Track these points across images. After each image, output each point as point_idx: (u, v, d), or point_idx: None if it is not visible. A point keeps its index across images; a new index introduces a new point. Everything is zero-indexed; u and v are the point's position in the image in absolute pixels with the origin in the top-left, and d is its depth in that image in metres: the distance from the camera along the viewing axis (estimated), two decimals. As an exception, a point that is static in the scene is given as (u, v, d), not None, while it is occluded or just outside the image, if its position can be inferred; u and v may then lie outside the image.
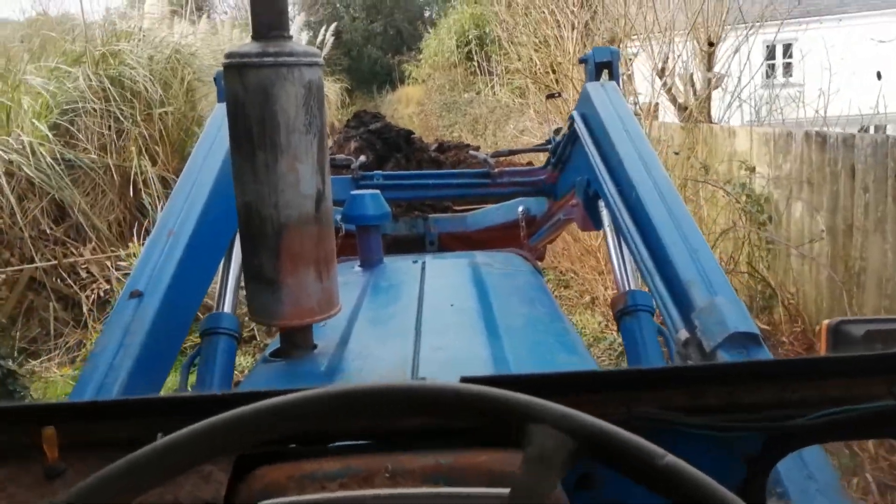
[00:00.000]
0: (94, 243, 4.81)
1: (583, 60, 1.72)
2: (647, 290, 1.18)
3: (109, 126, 5.24)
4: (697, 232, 1.12)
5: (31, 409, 0.57)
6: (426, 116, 13.81)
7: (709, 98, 5.61)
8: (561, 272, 5.30)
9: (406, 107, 16.95)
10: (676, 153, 4.46)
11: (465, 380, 0.51)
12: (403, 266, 1.61)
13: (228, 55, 0.97)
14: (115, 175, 5.17)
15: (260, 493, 0.51)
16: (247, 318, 1.21)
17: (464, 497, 0.49)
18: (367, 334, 1.15)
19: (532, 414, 0.41)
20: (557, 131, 1.92)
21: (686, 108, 5.58)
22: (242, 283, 1.15)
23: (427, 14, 24.94)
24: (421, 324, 1.16)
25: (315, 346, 1.09)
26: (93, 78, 5.19)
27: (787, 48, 6.44)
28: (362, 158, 2.17)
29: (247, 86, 0.95)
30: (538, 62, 7.48)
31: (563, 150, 1.84)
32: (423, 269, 1.53)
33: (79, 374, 1.00)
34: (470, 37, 13.78)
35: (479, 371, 0.63)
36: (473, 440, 0.52)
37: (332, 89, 15.24)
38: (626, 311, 1.20)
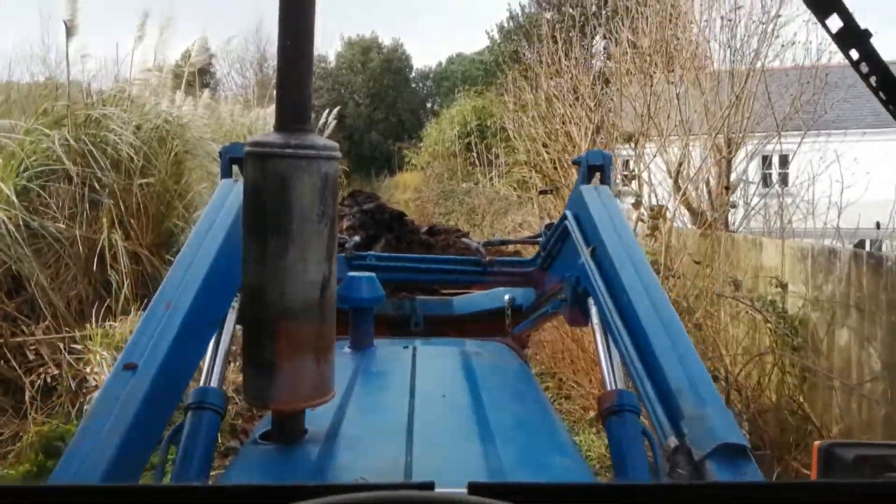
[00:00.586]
0: (47, 322, 4.68)
1: (576, 162, 1.92)
2: (633, 390, 1.28)
3: (83, 194, 5.22)
4: (686, 338, 1.25)
5: (22, 491, 0.59)
6: (423, 203, 14.36)
7: (726, 205, 5.74)
8: (561, 380, 5.31)
9: (403, 192, 17.65)
10: (697, 262, 4.42)
11: (472, 485, 0.56)
12: (394, 351, 1.73)
13: (251, 143, 1.12)
14: (81, 247, 5.09)
15: None
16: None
17: None
18: (359, 424, 1.24)
19: None
20: (549, 226, 2.12)
21: (701, 214, 5.68)
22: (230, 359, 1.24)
23: (429, 105, 26.86)
24: (413, 416, 1.25)
25: (306, 431, 1.16)
26: (71, 141, 5.20)
27: (784, 159, 6.91)
28: (356, 238, 2.38)
29: (266, 174, 1.09)
30: (545, 156, 7.89)
31: (554, 245, 2.02)
32: (413, 355, 1.65)
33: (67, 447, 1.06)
34: (470, 128, 14.61)
35: (474, 476, 0.66)
36: None
37: (332, 172, 15.95)
38: (612, 410, 1.31)
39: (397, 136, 22.07)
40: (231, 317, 1.47)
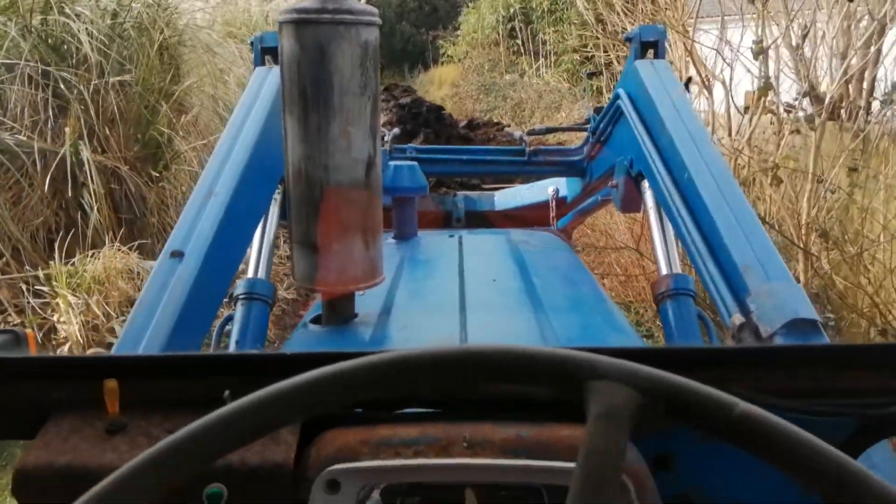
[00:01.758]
0: (5, 258, 3.90)
1: (628, 39, 1.89)
2: (690, 274, 1.29)
3: (46, 99, 4.36)
4: (753, 216, 1.25)
5: (93, 362, 0.64)
6: (461, 99, 13.96)
7: (871, 90, 4.67)
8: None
9: (439, 88, 17.23)
10: (854, 169, 3.67)
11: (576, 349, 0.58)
12: (439, 240, 1.80)
13: (286, 11, 1.12)
14: (48, 165, 4.16)
15: (331, 458, 0.56)
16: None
17: (546, 470, 0.54)
18: (410, 306, 1.31)
19: (595, 370, 0.45)
20: (598, 110, 2.10)
21: (836, 104, 4.48)
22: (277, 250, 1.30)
23: None
24: (465, 298, 1.31)
25: (356, 315, 1.23)
26: (30, 32, 4.32)
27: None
28: (396, 131, 2.40)
29: (303, 43, 1.09)
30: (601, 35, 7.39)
31: (605, 129, 2.02)
32: (460, 243, 1.71)
33: (120, 332, 1.15)
34: (514, 11, 13.93)
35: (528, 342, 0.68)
36: (556, 414, 0.56)
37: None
38: (667, 294, 1.36)
39: (431, 26, 21.38)
40: (274, 209, 1.53)
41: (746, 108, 4.13)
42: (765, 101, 3.83)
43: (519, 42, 13.81)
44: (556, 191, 2.37)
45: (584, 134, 2.24)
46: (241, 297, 1.36)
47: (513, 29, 14.02)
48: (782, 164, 3.59)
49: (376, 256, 1.20)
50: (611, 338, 1.24)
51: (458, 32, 17.17)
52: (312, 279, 1.17)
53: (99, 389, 0.59)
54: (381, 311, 1.27)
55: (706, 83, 4.33)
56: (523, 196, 2.54)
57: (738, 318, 1.10)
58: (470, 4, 17.13)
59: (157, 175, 4.63)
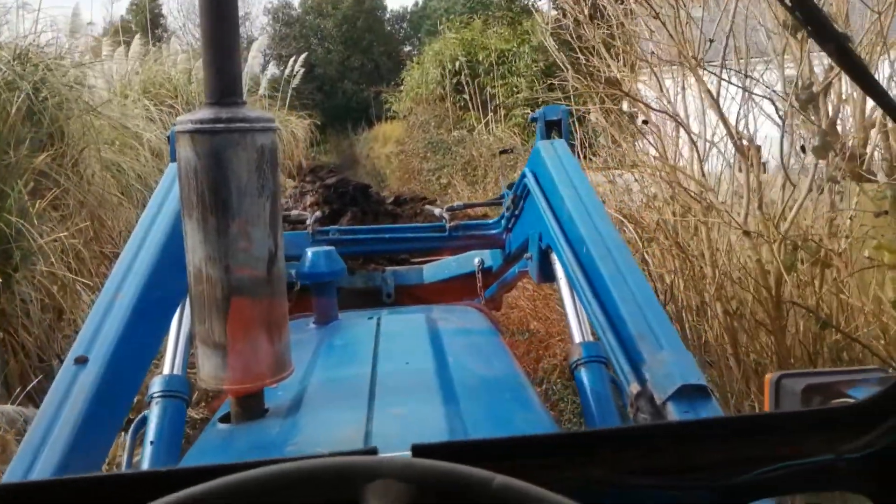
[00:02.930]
0: None
1: (533, 119, 2.19)
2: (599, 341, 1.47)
3: None
4: (646, 285, 1.44)
5: None
6: (407, 157, 14.30)
7: None
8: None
9: (384, 146, 17.68)
10: None
11: (415, 448, 0.67)
12: (358, 323, 1.96)
13: (180, 121, 1.27)
14: None
15: None
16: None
17: None
18: (320, 398, 1.42)
19: (371, 471, 0.53)
20: (510, 186, 2.38)
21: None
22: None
23: (408, 48, 27.35)
24: (375, 386, 1.43)
25: (266, 410, 1.33)
26: None
27: None
28: (318, 214, 2.64)
29: (199, 151, 1.24)
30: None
31: (516, 204, 2.29)
32: (377, 325, 1.86)
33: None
34: (459, 64, 14.49)
35: (435, 437, 0.76)
36: None
37: (301, 126, 16.18)
38: (580, 362, 1.55)
39: (374, 84, 22.21)
40: (188, 301, 1.64)
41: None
42: (834, 164, 3.20)
43: (466, 96, 14.33)
44: (482, 261, 2.62)
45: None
46: (155, 395, 1.46)
47: (458, 83, 14.56)
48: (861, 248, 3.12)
49: (283, 350, 1.31)
50: (518, 419, 1.37)
51: (402, 88, 17.77)
52: (218, 379, 1.28)
53: None
54: (291, 405, 1.38)
55: (736, 140, 3.66)
56: (451, 268, 2.78)
57: (635, 387, 1.25)
58: (413, 59, 17.84)
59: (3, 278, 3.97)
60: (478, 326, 2.03)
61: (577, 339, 1.64)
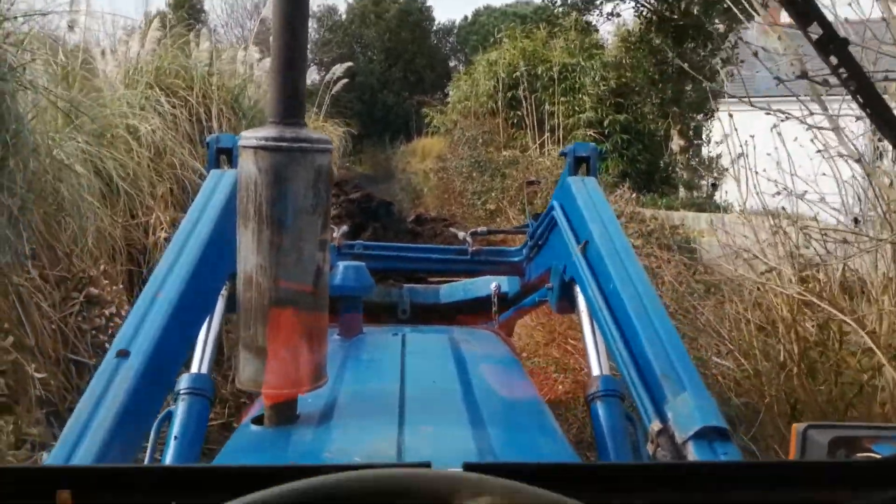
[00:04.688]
0: None
1: (563, 154, 2.53)
2: (617, 376, 1.72)
3: None
4: (671, 327, 1.70)
5: (48, 473, 0.82)
6: (448, 176, 14.52)
7: None
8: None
9: (422, 161, 18.08)
10: None
11: (467, 465, 0.79)
12: (383, 339, 2.30)
13: (245, 137, 1.57)
14: None
15: None
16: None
17: None
18: (351, 409, 1.70)
19: (472, 489, 0.65)
20: (535, 216, 2.74)
21: None
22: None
23: (453, 64, 28.43)
24: (404, 402, 1.71)
25: (298, 417, 1.61)
26: None
27: None
28: (344, 228, 3.07)
29: (261, 166, 1.53)
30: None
31: (541, 235, 2.63)
32: (403, 342, 2.19)
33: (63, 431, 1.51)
34: (517, 76, 14.79)
35: (466, 457, 0.93)
36: None
37: (336, 134, 16.74)
38: (597, 395, 1.81)
39: (417, 102, 23.03)
40: (221, 305, 1.95)
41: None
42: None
43: (520, 113, 14.62)
44: (499, 287, 2.98)
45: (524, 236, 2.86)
46: (181, 392, 1.76)
47: (513, 98, 14.87)
48: None
49: (321, 360, 1.60)
50: (541, 444, 1.65)
51: (448, 100, 18.18)
52: (258, 383, 1.57)
53: (53, 499, 0.78)
54: (321, 413, 1.66)
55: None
56: (467, 290, 3.18)
57: (656, 425, 1.51)
58: (461, 70, 18.28)
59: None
60: (499, 351, 2.37)
61: (596, 371, 1.90)
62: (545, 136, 14.07)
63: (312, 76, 17.14)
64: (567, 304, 2.28)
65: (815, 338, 3.68)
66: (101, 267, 4.72)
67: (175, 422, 1.74)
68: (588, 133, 13.58)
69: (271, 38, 1.58)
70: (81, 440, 1.44)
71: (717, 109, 14.42)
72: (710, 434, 1.42)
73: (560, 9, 15.78)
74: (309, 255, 1.57)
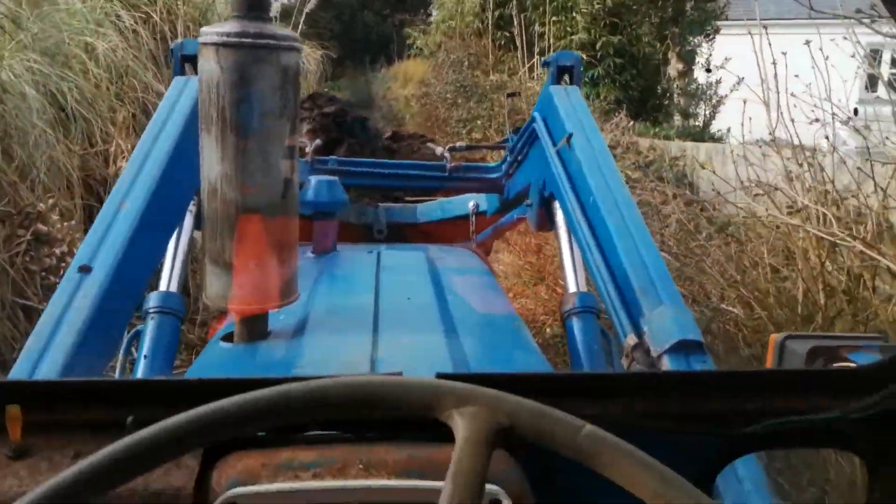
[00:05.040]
0: None
1: (545, 64, 2.49)
2: (594, 292, 1.71)
3: None
4: (650, 240, 1.69)
5: None
6: (431, 102, 14.31)
7: None
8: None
9: (403, 86, 17.80)
10: None
11: (440, 375, 0.81)
12: (358, 256, 2.29)
13: (206, 32, 1.49)
14: None
15: (232, 481, 0.73)
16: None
17: (435, 490, 0.67)
18: (324, 324, 1.68)
19: (460, 398, 0.65)
20: (517, 130, 2.70)
21: None
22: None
23: None
24: (378, 317, 1.70)
25: (269, 333, 1.58)
26: None
27: None
28: (317, 142, 3.04)
29: (223, 65, 1.47)
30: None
31: (521, 149, 2.61)
32: (378, 259, 2.18)
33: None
34: (504, -7, 14.45)
35: (440, 368, 0.91)
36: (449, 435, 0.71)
37: (313, 57, 16.50)
38: (573, 311, 1.83)
39: (399, 22, 22.69)
40: (189, 220, 1.91)
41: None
42: None
43: (509, 34, 14.35)
44: (477, 205, 3.02)
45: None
46: (150, 310, 1.73)
47: (501, 17, 14.59)
48: None
49: (291, 275, 1.57)
50: (517, 357, 1.65)
51: (430, 20, 17.81)
52: (226, 298, 1.53)
53: (1, 414, 0.76)
54: (294, 328, 1.64)
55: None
56: (444, 209, 3.20)
57: (631, 339, 1.51)
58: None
59: None
60: (475, 268, 2.38)
61: (572, 288, 1.93)
62: (535, 59, 13.83)
63: None
64: (546, 220, 2.28)
65: (843, 286, 3.60)
66: (52, 201, 4.46)
67: (144, 341, 1.72)
68: (581, 55, 13.34)
69: None
70: (43, 357, 1.42)
71: (720, 30, 14.34)
72: (687, 347, 1.42)
73: None
74: (276, 162, 1.52)
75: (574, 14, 13.89)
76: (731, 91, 13.77)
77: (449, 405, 0.67)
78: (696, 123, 14.38)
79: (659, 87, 14.43)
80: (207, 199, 1.52)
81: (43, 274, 4.11)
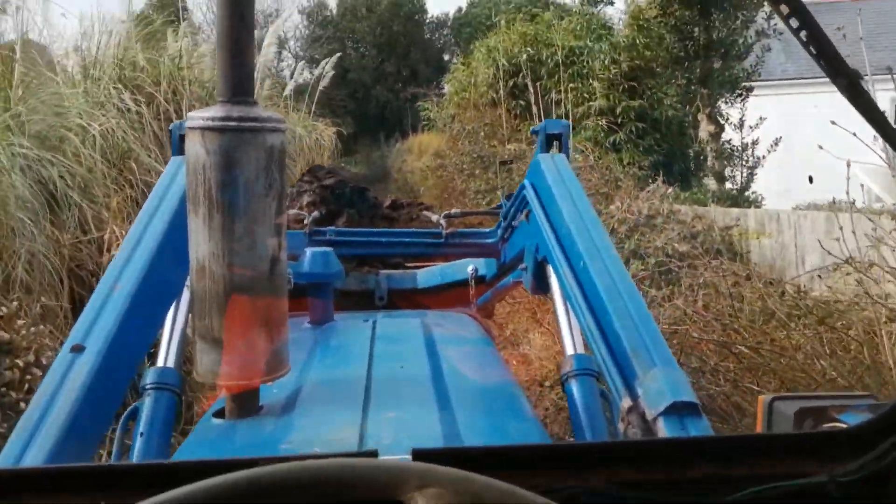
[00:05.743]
0: None
1: (534, 132, 2.70)
2: (591, 354, 1.81)
3: None
4: (641, 302, 1.79)
5: None
6: (448, 174, 14.53)
7: None
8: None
9: (418, 158, 18.21)
10: None
11: (416, 452, 0.86)
12: (354, 325, 2.44)
13: (191, 117, 1.65)
14: None
15: None
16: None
17: None
18: (315, 398, 1.79)
19: (420, 479, 0.66)
20: (509, 196, 2.89)
21: None
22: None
23: (447, 58, 29.51)
24: (370, 389, 1.81)
25: (261, 408, 1.69)
26: None
27: None
28: (315, 214, 3.28)
29: (209, 148, 1.61)
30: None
31: (514, 215, 2.78)
32: (373, 328, 2.32)
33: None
34: (519, 62, 14.84)
35: (430, 443, 1.01)
36: None
37: (327, 134, 17.07)
38: (571, 374, 1.93)
39: (412, 94, 23.57)
40: (186, 295, 2.04)
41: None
42: None
43: (523, 102, 14.64)
44: (476, 269, 3.19)
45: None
46: (147, 387, 1.84)
47: (515, 86, 14.92)
48: None
49: (281, 349, 1.68)
50: (511, 427, 1.74)
51: (444, 92, 18.25)
52: (215, 374, 1.64)
53: None
54: (285, 403, 1.74)
55: None
56: (445, 274, 3.39)
57: (626, 402, 1.59)
58: (458, 58, 18.32)
59: None
60: (472, 334, 2.53)
61: (570, 351, 2.03)
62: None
63: (304, 74, 17.62)
64: (541, 284, 2.42)
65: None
66: (16, 304, 4.23)
67: (141, 418, 1.82)
68: (600, 122, 13.56)
69: (215, 9, 1.65)
70: (33, 440, 1.49)
71: (752, 90, 14.27)
72: (681, 409, 1.50)
73: None
74: (263, 241, 1.64)
75: (591, 81, 14.17)
76: (769, 152, 13.94)
77: (412, 487, 0.68)
78: (733, 187, 14.43)
79: (691, 151, 14.50)
80: (196, 277, 1.64)
81: (2, 390, 3.71)
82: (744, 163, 14.58)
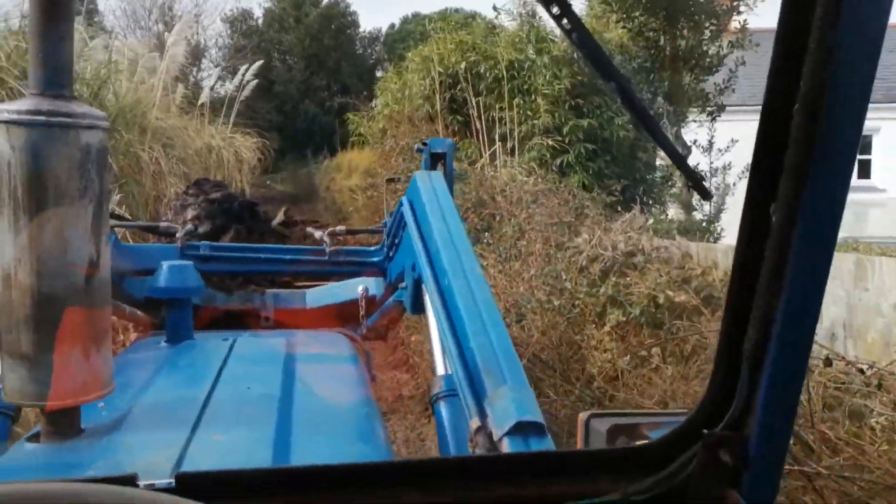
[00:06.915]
0: None
1: (419, 150, 2.91)
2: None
3: None
4: (499, 321, 1.84)
5: None
6: (379, 195, 14.50)
7: None
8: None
9: (348, 177, 18.24)
10: None
11: (179, 477, 0.88)
12: (211, 344, 2.47)
13: None
14: None
15: None
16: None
17: None
18: (144, 420, 1.79)
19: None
20: (392, 214, 2.99)
21: None
22: None
23: (379, 73, 30.09)
24: (205, 410, 1.83)
25: (83, 431, 1.67)
26: None
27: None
28: (189, 227, 3.36)
29: (14, 144, 1.59)
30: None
31: (396, 233, 2.91)
32: (231, 348, 2.36)
33: None
34: (455, 72, 14.81)
35: (250, 464, 1.04)
36: None
37: (247, 146, 17.01)
38: (440, 395, 2.01)
39: (340, 106, 23.76)
40: None
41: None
42: None
43: (461, 118, 14.66)
44: (366, 289, 3.32)
45: None
46: None
47: (453, 100, 14.95)
48: None
49: (101, 366, 1.67)
50: (354, 449, 1.79)
51: (374, 104, 18.27)
52: (24, 394, 1.62)
53: None
54: (110, 425, 1.74)
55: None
56: (334, 294, 3.52)
57: (475, 423, 1.61)
58: (390, 69, 18.36)
59: None
60: (340, 353, 2.59)
61: (440, 371, 2.10)
62: (496, 146, 13.96)
63: (225, 85, 17.67)
64: (417, 304, 2.51)
65: None
66: None
67: None
68: (546, 142, 13.48)
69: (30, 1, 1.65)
70: None
71: (724, 108, 13.92)
72: (526, 429, 1.53)
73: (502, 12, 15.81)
74: (78, 246, 1.63)
75: (535, 97, 14.14)
76: (740, 179, 13.47)
77: None
78: (703, 217, 14.12)
79: (655, 175, 14.36)
80: (1, 287, 1.63)
81: None
82: (714, 189, 14.06)
